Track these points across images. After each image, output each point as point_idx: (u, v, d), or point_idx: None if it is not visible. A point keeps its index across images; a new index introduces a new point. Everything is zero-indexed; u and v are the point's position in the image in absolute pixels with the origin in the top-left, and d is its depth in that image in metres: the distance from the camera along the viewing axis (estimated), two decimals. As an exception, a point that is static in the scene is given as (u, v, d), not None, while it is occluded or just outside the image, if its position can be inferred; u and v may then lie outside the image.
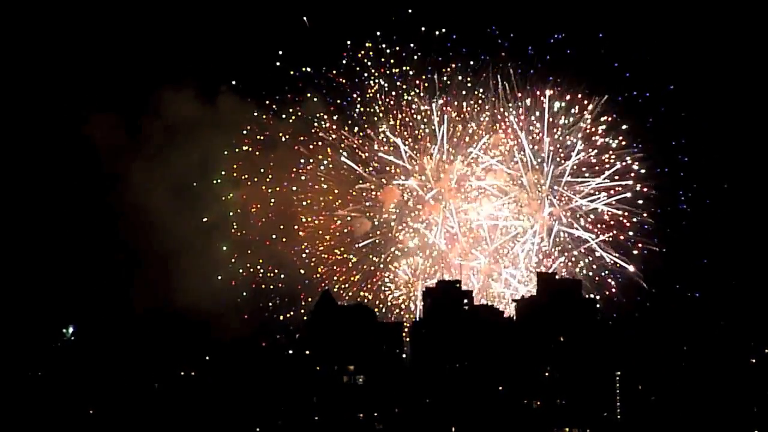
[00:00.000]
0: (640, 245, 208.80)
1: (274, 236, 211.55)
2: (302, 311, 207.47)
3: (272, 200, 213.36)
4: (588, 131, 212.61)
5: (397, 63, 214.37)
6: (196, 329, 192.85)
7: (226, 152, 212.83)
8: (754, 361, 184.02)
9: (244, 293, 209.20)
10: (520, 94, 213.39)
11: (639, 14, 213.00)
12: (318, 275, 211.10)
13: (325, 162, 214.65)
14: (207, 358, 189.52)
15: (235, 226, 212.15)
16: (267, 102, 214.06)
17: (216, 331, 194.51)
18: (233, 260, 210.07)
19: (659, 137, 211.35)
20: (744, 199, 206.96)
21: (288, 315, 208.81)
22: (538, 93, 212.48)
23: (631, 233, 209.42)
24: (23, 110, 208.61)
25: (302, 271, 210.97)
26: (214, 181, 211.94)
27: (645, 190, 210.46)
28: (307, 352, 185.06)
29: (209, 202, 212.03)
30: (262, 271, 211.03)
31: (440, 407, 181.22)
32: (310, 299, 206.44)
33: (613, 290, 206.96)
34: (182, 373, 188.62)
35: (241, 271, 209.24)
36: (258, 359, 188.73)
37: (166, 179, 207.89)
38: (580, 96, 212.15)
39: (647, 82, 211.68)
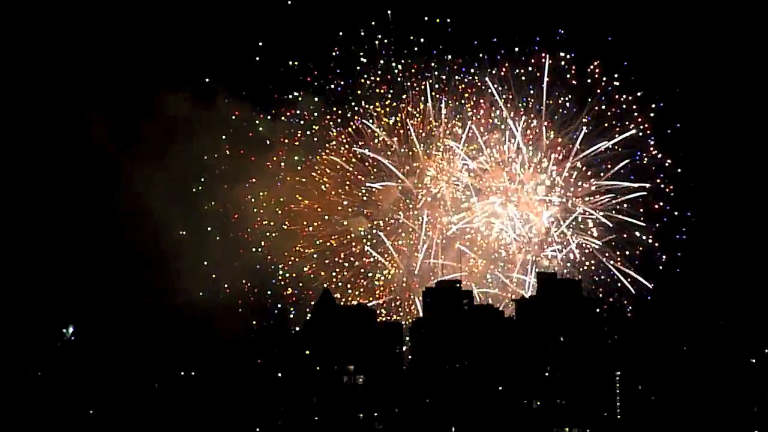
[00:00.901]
0: (640, 246, 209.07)
1: (263, 241, 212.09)
2: (293, 310, 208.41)
3: (265, 202, 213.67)
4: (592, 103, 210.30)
5: (392, 58, 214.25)
6: (195, 329, 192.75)
7: (221, 153, 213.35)
8: (754, 361, 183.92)
9: (242, 294, 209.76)
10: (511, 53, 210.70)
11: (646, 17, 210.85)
12: (313, 275, 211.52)
13: (319, 161, 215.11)
14: (207, 358, 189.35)
15: (229, 227, 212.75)
16: (262, 102, 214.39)
17: (215, 331, 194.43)
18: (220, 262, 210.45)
19: (661, 139, 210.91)
20: (744, 200, 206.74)
21: (283, 316, 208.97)
22: (533, 61, 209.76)
23: (634, 236, 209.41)
24: (22, 112, 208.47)
25: (294, 273, 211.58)
26: (207, 183, 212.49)
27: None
28: (307, 352, 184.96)
29: (207, 202, 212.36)
30: (257, 271, 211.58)
31: (440, 407, 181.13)
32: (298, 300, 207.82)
33: (615, 291, 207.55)
34: (182, 373, 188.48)
35: (231, 285, 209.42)
36: (258, 359, 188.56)
37: (165, 179, 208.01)
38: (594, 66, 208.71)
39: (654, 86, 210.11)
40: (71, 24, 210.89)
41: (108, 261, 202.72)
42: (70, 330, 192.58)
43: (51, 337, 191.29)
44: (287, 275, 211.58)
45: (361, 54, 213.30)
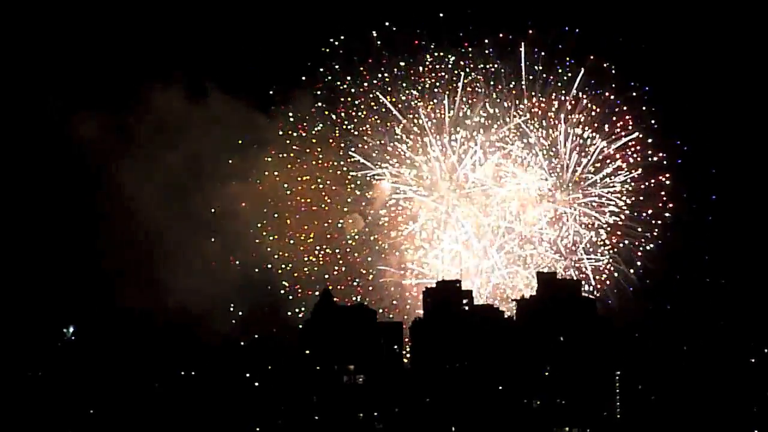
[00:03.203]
0: (639, 246, 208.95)
1: (261, 239, 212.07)
2: (290, 310, 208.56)
3: (260, 201, 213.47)
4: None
5: (389, 55, 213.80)
6: (195, 329, 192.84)
7: (215, 151, 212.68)
8: (754, 361, 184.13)
9: (241, 293, 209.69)
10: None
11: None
12: (312, 275, 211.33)
13: (316, 159, 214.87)
14: (207, 357, 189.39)
15: (225, 226, 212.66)
16: (256, 100, 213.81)
17: (214, 331, 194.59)
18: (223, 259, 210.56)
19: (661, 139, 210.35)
20: (743, 199, 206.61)
21: (282, 315, 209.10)
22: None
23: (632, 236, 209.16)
24: (12, 110, 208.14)
25: (293, 273, 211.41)
26: (202, 181, 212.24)
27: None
28: (307, 352, 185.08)
29: (200, 200, 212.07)
30: (255, 271, 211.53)
31: (440, 407, 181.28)
32: (302, 299, 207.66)
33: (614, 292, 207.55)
34: (182, 373, 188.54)
35: (230, 285, 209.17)
36: (257, 359, 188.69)
37: (162, 178, 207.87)
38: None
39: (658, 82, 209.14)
40: (61, 19, 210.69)
41: (108, 261, 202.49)
42: (70, 330, 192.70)
43: (51, 337, 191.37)
44: (285, 275, 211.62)
45: (356, 51, 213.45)
